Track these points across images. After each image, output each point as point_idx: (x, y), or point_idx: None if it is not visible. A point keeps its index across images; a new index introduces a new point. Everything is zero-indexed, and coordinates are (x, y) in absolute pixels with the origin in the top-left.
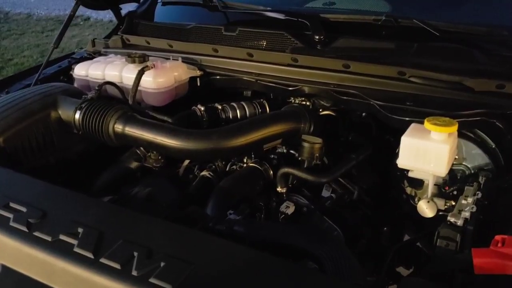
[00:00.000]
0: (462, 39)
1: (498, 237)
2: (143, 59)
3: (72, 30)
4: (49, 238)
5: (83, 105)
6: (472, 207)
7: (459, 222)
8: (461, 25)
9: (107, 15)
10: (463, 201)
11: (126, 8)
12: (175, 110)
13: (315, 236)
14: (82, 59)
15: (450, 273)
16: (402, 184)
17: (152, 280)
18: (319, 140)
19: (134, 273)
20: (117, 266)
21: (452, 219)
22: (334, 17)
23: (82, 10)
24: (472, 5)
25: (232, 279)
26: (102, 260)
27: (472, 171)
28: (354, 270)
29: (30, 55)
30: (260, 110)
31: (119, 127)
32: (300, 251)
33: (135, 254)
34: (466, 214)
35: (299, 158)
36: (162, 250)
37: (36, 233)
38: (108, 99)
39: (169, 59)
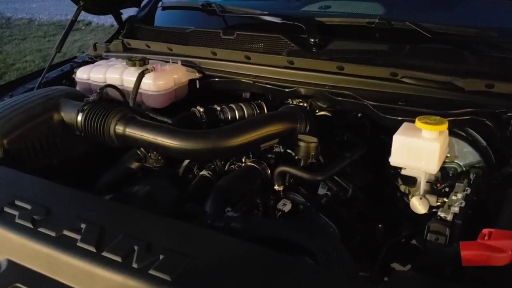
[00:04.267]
0: (452, 41)
1: (485, 231)
2: (143, 62)
3: (74, 35)
4: (53, 234)
5: (85, 108)
6: (461, 203)
7: (449, 217)
8: (452, 27)
9: (108, 19)
10: (453, 197)
11: (126, 13)
12: (175, 111)
13: (308, 230)
14: (84, 63)
15: (439, 265)
16: (396, 182)
17: (151, 271)
18: (314, 139)
19: (135, 265)
20: (118, 259)
21: (442, 214)
22: (329, 20)
23: (84, 15)
24: (462, 7)
25: (229, 271)
26: (104, 254)
27: (464, 169)
28: (345, 262)
29: (32, 60)
30: (258, 111)
31: (120, 129)
32: (294, 245)
33: (135, 247)
34: (455, 209)
35: (296, 157)
36: (161, 244)
37: (41, 229)
38: (109, 102)
39: (169, 62)
